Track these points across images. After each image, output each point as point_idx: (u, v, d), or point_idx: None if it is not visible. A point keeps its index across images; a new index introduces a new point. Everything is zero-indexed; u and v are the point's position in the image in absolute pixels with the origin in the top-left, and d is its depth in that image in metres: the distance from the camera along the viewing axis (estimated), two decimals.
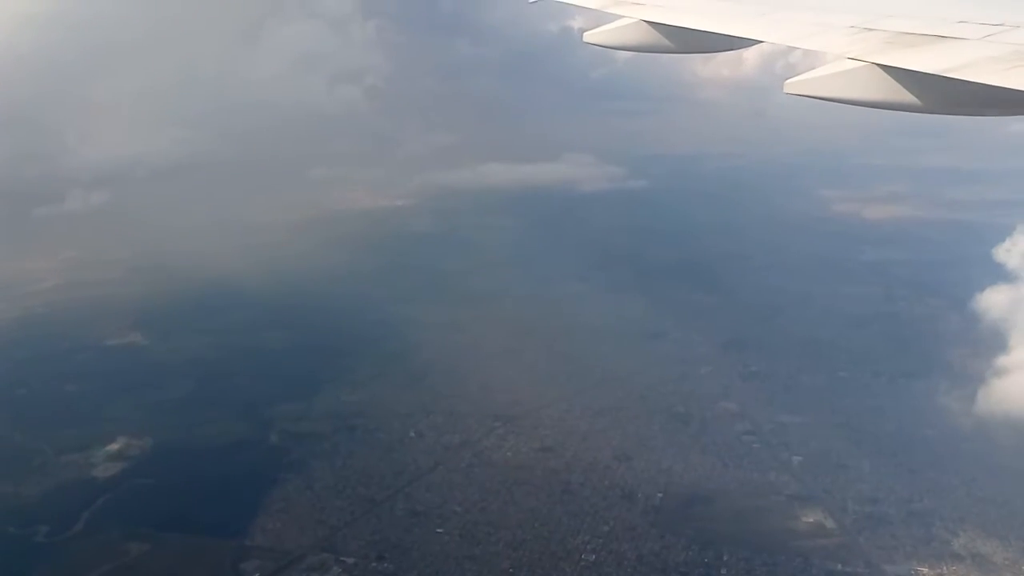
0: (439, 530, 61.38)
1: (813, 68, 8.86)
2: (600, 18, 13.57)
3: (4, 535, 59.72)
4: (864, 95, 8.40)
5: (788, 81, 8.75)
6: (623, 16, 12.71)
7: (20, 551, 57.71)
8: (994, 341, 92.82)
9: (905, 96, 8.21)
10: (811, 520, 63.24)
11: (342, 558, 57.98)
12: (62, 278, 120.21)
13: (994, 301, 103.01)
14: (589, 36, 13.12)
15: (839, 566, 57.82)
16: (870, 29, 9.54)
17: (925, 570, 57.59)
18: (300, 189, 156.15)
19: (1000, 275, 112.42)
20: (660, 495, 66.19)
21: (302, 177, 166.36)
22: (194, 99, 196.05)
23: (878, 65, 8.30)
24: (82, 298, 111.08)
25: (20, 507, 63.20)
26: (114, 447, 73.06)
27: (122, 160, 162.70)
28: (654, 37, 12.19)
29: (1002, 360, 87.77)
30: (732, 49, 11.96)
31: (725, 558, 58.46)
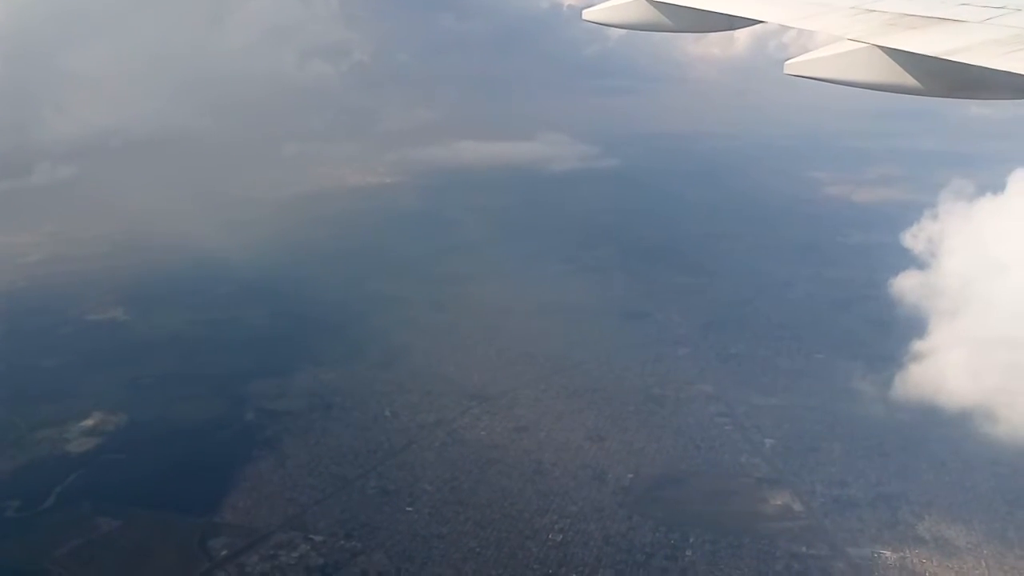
0: (408, 508, 61.73)
1: (807, 48, 8.97)
2: None
3: None
4: (864, 77, 8.41)
5: (788, 62, 8.74)
6: None
7: None
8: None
9: (905, 78, 8.23)
10: (779, 503, 63.71)
11: (310, 536, 58.24)
12: (45, 252, 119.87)
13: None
14: (588, 14, 13.04)
15: (804, 548, 58.29)
16: (871, 10, 9.53)
17: (888, 553, 58.07)
18: (277, 165, 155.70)
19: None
20: (630, 476, 66.60)
21: (278, 153, 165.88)
22: (166, 72, 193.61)
23: (879, 47, 8.29)
24: (65, 273, 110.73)
25: None
26: (89, 423, 73.10)
27: (98, 133, 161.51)
28: (653, 15, 12.17)
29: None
30: (732, 28, 11.80)
31: (691, 540, 58.94)
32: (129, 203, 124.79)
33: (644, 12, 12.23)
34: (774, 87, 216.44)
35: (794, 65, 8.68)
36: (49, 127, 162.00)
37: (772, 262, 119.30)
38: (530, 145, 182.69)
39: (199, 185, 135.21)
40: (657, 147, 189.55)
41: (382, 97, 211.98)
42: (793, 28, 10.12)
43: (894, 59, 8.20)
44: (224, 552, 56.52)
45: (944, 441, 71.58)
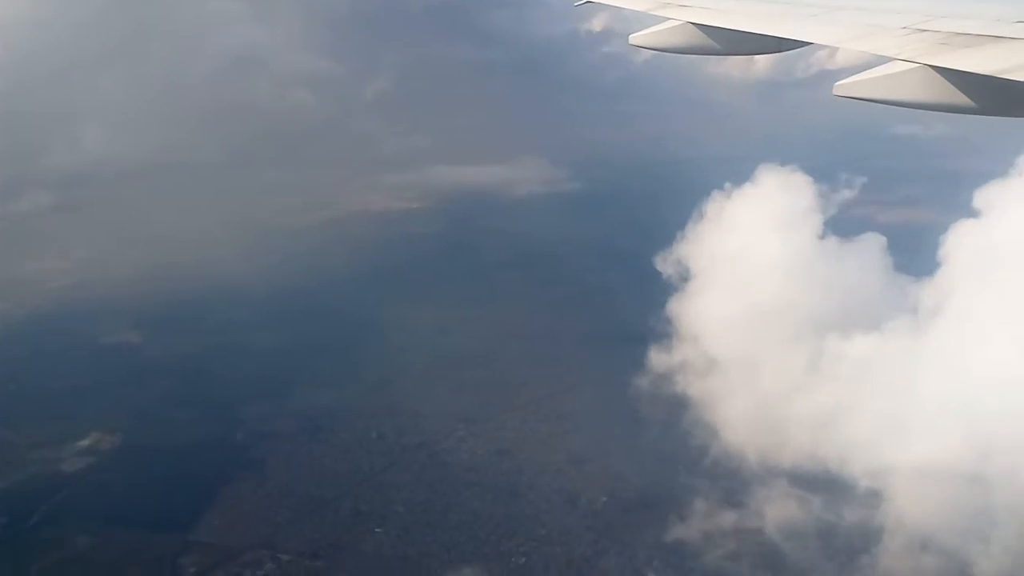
0: (378, 530, 62.43)
1: (831, 68, 9.07)
2: (618, 17, 13.68)
3: None
4: (915, 97, 8.40)
5: (838, 83, 8.85)
6: (669, 18, 12.92)
7: None
8: None
9: (958, 98, 8.19)
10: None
11: (278, 555, 59.30)
12: (73, 278, 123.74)
13: None
14: (635, 39, 13.39)
15: (769, 574, 57.58)
16: (923, 30, 9.44)
17: None
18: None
19: None
20: (604, 499, 66.38)
21: (259, 180, 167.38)
22: (150, 101, 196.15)
23: (931, 66, 8.26)
24: (88, 297, 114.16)
25: None
26: (85, 443, 75.29)
27: (91, 162, 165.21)
28: (700, 39, 12.39)
29: None
30: (780, 51, 11.97)
31: (655, 563, 58.64)
32: (146, 230, 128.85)
33: (691, 36, 12.44)
34: (805, 108, 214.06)
35: (844, 86, 8.76)
36: (48, 155, 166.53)
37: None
38: (542, 170, 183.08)
39: (201, 213, 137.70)
40: (676, 169, 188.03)
41: (379, 125, 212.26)
42: (827, 48, 10.32)
43: (947, 78, 8.14)
44: (192, 570, 57.87)
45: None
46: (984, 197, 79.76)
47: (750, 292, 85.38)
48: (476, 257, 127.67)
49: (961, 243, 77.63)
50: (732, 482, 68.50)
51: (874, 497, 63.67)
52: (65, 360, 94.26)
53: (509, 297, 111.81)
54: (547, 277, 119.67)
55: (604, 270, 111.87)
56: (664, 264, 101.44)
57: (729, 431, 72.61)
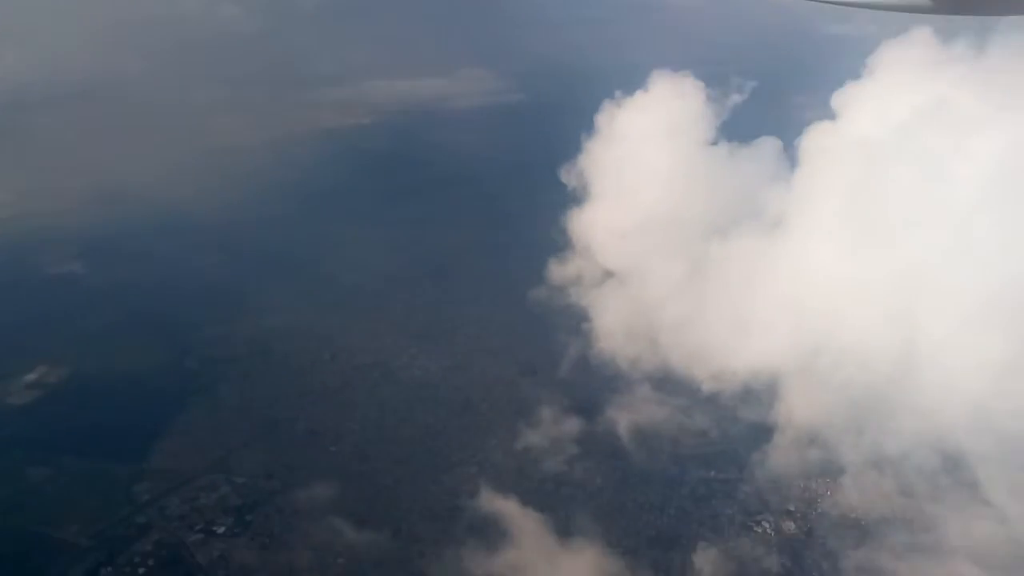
0: (332, 448, 63.20)
1: None
2: None
3: None
4: None
5: None
6: None
7: None
8: None
9: None
10: (695, 428, 64.73)
11: (232, 478, 59.82)
12: (11, 209, 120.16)
13: None
14: None
15: (712, 473, 59.61)
16: None
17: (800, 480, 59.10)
18: (228, 112, 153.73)
19: None
20: (555, 408, 67.65)
21: (228, 98, 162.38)
22: (63, 19, 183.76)
23: None
24: (29, 228, 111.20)
25: None
26: (32, 376, 74.30)
27: (34, 85, 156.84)
28: None
29: None
30: None
31: (603, 468, 60.30)
32: (80, 156, 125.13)
33: None
34: (755, 9, 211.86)
35: None
36: None
37: None
38: (485, 82, 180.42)
39: (135, 136, 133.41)
40: (621, 77, 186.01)
41: (315, 39, 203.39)
42: None
43: None
44: (147, 496, 58.09)
45: None
46: (841, 98, 78.63)
47: (645, 201, 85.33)
48: (421, 173, 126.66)
49: (816, 144, 77.04)
50: (594, 389, 70.96)
51: (717, 398, 67.14)
52: (8, 293, 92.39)
53: (455, 213, 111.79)
54: (492, 192, 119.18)
55: (549, 183, 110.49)
56: (568, 176, 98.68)
57: (608, 339, 75.49)
